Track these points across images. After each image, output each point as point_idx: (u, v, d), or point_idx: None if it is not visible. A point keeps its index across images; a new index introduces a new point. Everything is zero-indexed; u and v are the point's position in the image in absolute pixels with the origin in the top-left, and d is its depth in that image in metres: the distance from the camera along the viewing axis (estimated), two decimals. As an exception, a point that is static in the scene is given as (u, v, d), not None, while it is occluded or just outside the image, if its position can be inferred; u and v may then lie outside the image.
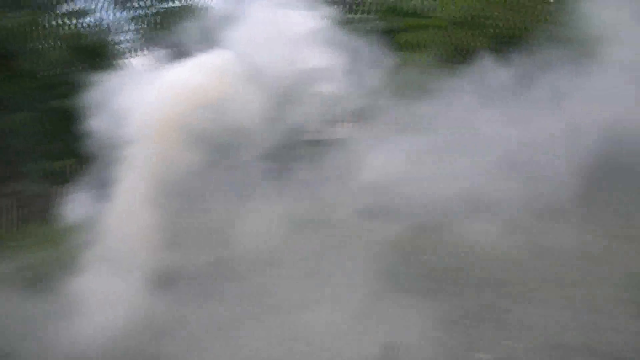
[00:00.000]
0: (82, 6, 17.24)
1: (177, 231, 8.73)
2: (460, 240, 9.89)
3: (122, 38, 18.19)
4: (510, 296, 8.75)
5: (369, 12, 17.89)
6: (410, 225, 9.77)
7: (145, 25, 17.95)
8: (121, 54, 17.70)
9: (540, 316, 8.07)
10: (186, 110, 8.15)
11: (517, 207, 9.47)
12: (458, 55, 14.53)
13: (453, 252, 10.16)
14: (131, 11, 17.95)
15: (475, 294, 8.83)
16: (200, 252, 9.72)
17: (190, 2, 18.06)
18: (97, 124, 8.18)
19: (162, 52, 9.14)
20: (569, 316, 8.02)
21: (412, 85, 9.78)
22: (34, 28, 15.62)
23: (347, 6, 17.21)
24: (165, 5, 18.19)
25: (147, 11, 18.05)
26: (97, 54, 16.04)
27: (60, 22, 16.34)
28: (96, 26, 17.59)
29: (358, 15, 17.08)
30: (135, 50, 17.73)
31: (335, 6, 9.25)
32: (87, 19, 17.37)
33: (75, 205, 8.34)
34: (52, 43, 15.93)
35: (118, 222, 8.07)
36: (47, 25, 16.01)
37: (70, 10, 16.93)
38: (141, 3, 18.03)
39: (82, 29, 17.00)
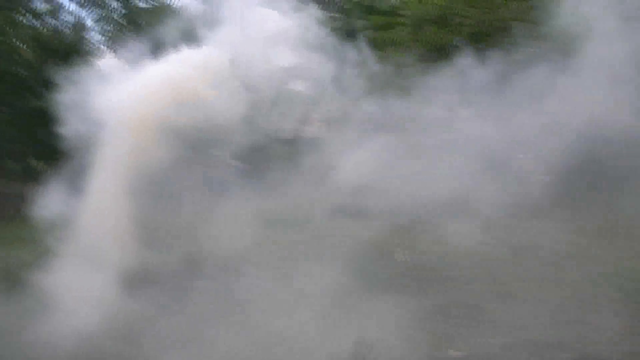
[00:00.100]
0: (56, 5, 17.17)
1: (150, 229, 8.67)
2: (435, 238, 9.91)
3: (97, 37, 18.16)
4: (485, 293, 8.80)
5: (343, 11, 17.92)
6: (384, 224, 9.77)
7: (121, 24, 17.86)
8: (96, 53, 17.61)
9: (514, 313, 8.13)
10: (163, 106, 8.13)
11: (493, 205, 9.50)
12: (431, 54, 14.52)
13: (427, 250, 10.18)
14: (106, 10, 17.88)
15: (450, 291, 8.87)
16: (173, 250, 9.64)
17: (168, 1, 18.02)
18: (72, 122, 8.14)
19: (138, 50, 9.08)
20: (543, 313, 8.09)
21: (385, 83, 9.80)
22: (7, 28, 15.50)
23: (322, 5, 17.22)
24: (141, 3, 18.15)
25: (123, 10, 17.98)
26: (71, 52, 15.90)
27: (32, 22, 16.26)
28: (71, 25, 17.51)
29: (333, 14, 17.08)
30: (111, 49, 17.64)
31: (310, 5, 9.24)
32: (62, 19, 17.30)
33: (49, 203, 8.27)
34: (26, 43, 15.84)
35: (92, 219, 8.03)
36: (20, 25, 15.90)
37: (44, 9, 16.84)
38: (116, 2, 17.98)
39: (56, 29, 16.91)
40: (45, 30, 16.57)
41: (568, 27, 9.14)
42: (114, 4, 17.89)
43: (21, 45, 15.91)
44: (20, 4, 16.26)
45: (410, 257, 10.09)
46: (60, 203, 8.19)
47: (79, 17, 17.74)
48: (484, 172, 9.41)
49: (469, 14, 15.99)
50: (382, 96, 9.73)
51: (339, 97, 9.52)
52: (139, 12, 17.62)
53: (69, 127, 8.20)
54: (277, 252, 9.35)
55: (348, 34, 9.41)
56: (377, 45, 14.24)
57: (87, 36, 17.91)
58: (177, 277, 8.86)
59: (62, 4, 17.46)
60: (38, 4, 16.74)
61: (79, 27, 17.55)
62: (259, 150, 9.97)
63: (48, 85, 9.52)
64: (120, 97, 8.12)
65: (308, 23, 9.11)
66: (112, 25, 17.92)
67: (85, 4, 17.49)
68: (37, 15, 16.55)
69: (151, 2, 18.03)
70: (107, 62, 16.85)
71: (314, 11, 9.11)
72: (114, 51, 17.41)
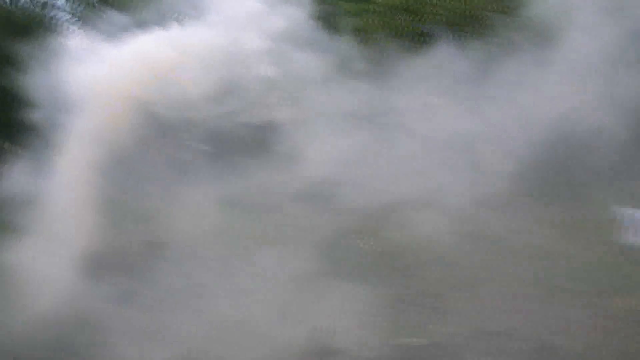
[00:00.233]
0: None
1: (113, 210, 8.56)
2: (400, 228, 9.93)
3: (66, 15, 17.85)
4: (447, 283, 8.89)
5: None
6: (350, 212, 9.77)
7: (91, 2, 17.57)
8: (65, 31, 17.30)
9: (475, 303, 8.24)
10: (132, 85, 8.01)
11: (459, 196, 9.54)
12: (401, 42, 14.48)
13: (392, 239, 10.19)
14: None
15: (413, 280, 8.95)
16: (135, 233, 9.54)
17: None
18: (38, 101, 7.99)
19: (108, 29, 8.93)
20: (502, 303, 8.21)
21: (355, 71, 9.75)
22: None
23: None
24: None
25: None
26: (37, 29, 15.58)
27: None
28: (38, 3, 17.18)
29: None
30: (81, 27, 17.34)
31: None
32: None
33: (14, 182, 8.12)
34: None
35: (56, 199, 7.90)
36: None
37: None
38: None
39: (20, 5, 16.59)
40: (8, 6, 16.18)
41: (541, 17, 9.14)
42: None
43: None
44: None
45: (374, 245, 10.13)
46: (25, 182, 8.04)
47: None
48: (452, 163, 9.43)
49: (441, 2, 15.97)
50: (352, 84, 9.68)
51: (309, 84, 9.45)
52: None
53: (36, 106, 8.04)
54: (241, 237, 9.28)
55: (319, 20, 9.31)
56: (348, 32, 14.17)
57: (55, 14, 17.56)
58: (138, 260, 8.76)
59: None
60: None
61: (45, 4, 17.18)
62: (227, 134, 9.88)
63: (15, 62, 9.29)
64: (89, 75, 7.97)
65: (280, 8, 9.04)
66: (82, 4, 17.59)
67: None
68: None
69: None
70: (76, 40, 16.58)
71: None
72: (84, 29, 17.13)
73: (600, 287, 8.84)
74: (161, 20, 8.83)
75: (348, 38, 10.57)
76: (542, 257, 9.60)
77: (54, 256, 7.55)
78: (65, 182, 7.98)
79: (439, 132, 9.49)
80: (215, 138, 10.10)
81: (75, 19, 17.70)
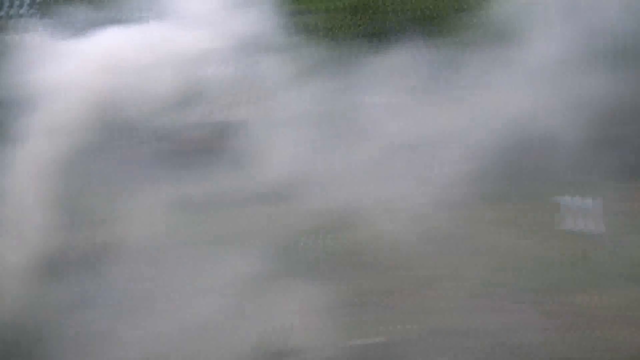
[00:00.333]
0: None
1: (68, 209, 8.42)
2: (355, 226, 9.91)
3: (24, 10, 17.55)
4: (403, 281, 8.92)
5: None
6: (307, 212, 9.73)
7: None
8: (24, 27, 17.02)
9: (431, 301, 8.28)
10: (92, 80, 7.92)
11: (415, 197, 9.55)
12: (361, 40, 14.46)
13: (349, 238, 10.16)
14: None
15: (369, 278, 8.95)
16: (90, 233, 9.38)
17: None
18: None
19: (69, 25, 8.81)
20: (459, 301, 8.27)
21: (311, 69, 9.73)
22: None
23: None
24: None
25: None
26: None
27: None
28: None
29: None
30: (41, 23, 17.09)
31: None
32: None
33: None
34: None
35: (11, 197, 7.77)
36: None
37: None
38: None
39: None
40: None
41: (502, 16, 9.19)
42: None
43: None
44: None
45: (331, 246, 10.11)
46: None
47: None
48: (408, 164, 9.45)
49: (405, 1, 15.98)
50: (313, 83, 9.66)
51: (270, 83, 9.43)
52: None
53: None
54: (197, 237, 9.18)
55: (281, 20, 9.27)
56: (310, 31, 14.11)
57: (15, 9, 17.25)
58: (93, 260, 8.62)
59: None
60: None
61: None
62: (186, 133, 9.81)
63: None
64: (48, 72, 7.87)
65: (242, 8, 9.00)
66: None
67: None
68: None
69: None
70: (36, 36, 16.32)
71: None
72: (44, 26, 16.87)
73: (552, 285, 8.97)
74: (123, 18, 8.76)
75: (310, 37, 10.57)
76: (496, 256, 9.68)
77: (6, 255, 7.43)
78: (22, 179, 7.85)
79: (397, 133, 9.52)
80: (174, 137, 9.99)
81: (35, 15, 17.42)
